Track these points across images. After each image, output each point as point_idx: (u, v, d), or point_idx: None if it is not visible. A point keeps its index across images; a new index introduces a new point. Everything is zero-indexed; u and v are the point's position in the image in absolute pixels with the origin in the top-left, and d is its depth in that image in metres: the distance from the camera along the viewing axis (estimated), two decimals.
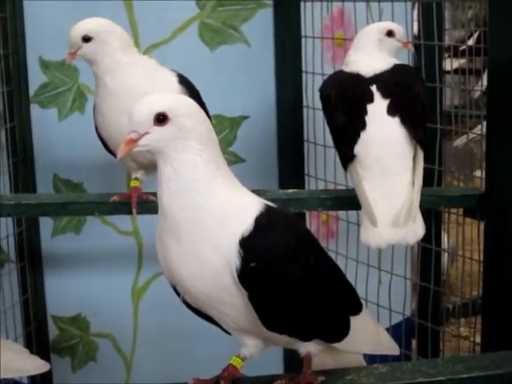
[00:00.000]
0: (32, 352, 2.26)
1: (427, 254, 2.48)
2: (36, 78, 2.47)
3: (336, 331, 1.49)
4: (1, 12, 2.39)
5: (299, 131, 2.57)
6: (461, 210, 2.37)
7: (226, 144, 2.51)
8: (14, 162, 2.47)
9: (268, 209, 1.38)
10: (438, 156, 2.38)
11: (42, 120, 2.49)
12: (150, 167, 1.98)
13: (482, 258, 2.16)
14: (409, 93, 1.98)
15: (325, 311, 1.44)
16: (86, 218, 2.53)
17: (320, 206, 2.12)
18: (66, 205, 2.07)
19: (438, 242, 2.51)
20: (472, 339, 2.45)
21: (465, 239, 2.35)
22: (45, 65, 2.46)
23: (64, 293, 2.58)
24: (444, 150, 2.49)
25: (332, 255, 2.42)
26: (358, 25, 2.47)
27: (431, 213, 2.36)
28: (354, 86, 2.00)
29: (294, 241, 1.37)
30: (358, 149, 1.92)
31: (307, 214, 2.53)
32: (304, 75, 2.53)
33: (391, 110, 1.94)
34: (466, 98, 2.98)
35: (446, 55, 2.79)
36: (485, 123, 2.09)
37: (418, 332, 2.56)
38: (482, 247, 2.13)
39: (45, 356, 2.44)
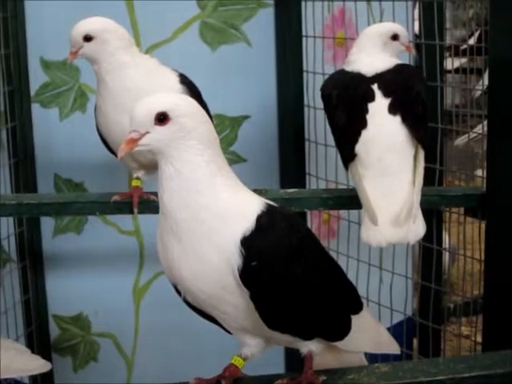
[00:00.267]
0: (33, 352, 2.26)
1: (428, 253, 2.48)
2: (37, 77, 2.46)
3: (337, 329, 1.49)
4: (2, 12, 2.39)
5: (300, 131, 2.57)
6: (462, 210, 2.37)
7: (226, 143, 2.51)
8: (14, 161, 2.47)
9: (269, 208, 1.38)
10: (439, 155, 2.38)
11: (43, 120, 2.49)
12: (151, 167, 1.98)
13: (483, 258, 2.16)
14: (410, 92, 1.98)
15: (326, 309, 1.44)
16: (88, 217, 2.53)
17: (321, 206, 2.12)
18: (67, 204, 2.07)
19: (439, 242, 2.51)
20: (473, 338, 2.45)
21: (466, 238, 2.35)
22: (46, 64, 2.46)
23: (65, 292, 2.58)
24: (445, 149, 2.49)
25: (333, 254, 2.43)
26: (358, 24, 2.47)
27: (432, 212, 2.37)
28: (356, 85, 2.00)
29: (295, 240, 1.37)
30: (359, 148, 1.92)
31: (308, 213, 2.53)
32: (305, 75, 2.53)
33: (392, 109, 1.94)
34: (467, 97, 2.98)
35: (447, 54, 2.79)
36: (486, 122, 2.09)
37: (419, 331, 2.56)
38: (483, 246, 2.13)
39: (46, 356, 2.44)
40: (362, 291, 1.93)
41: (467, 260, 2.38)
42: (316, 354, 1.48)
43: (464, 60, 3.23)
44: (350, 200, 2.00)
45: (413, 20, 2.75)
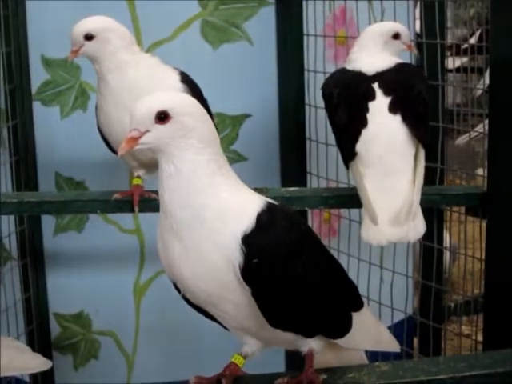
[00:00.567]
0: (34, 350, 2.26)
1: (429, 252, 2.48)
2: (38, 75, 2.46)
3: (338, 327, 1.49)
4: (3, 9, 2.39)
5: (301, 129, 2.56)
6: (463, 209, 2.37)
7: (227, 142, 2.51)
8: (15, 159, 2.47)
9: (269, 206, 1.38)
10: (440, 154, 2.38)
11: (44, 118, 2.49)
12: (152, 165, 1.98)
13: (483, 257, 2.16)
14: (411, 91, 1.98)
15: (327, 306, 1.45)
16: (88, 216, 2.53)
17: (322, 204, 2.12)
18: (68, 203, 2.07)
19: (440, 241, 2.51)
20: (474, 337, 2.45)
21: (467, 237, 2.35)
22: (47, 62, 2.46)
23: (66, 291, 2.58)
24: (446, 148, 2.49)
25: (334, 253, 2.41)
26: (360, 23, 2.47)
27: (433, 211, 2.36)
28: (356, 83, 2.00)
29: (296, 237, 1.38)
30: (360, 146, 1.92)
31: (309, 212, 2.53)
32: (306, 73, 2.53)
33: (393, 108, 1.94)
34: (468, 96, 2.97)
35: (448, 53, 2.79)
36: (487, 121, 2.09)
37: (420, 330, 2.56)
38: (483, 245, 2.13)
39: (47, 354, 2.44)
40: (362, 290, 1.93)
41: (468, 259, 2.38)
42: (317, 352, 1.48)
43: (465, 59, 3.23)
44: (351, 199, 2.00)
45: (414, 19, 2.75)
